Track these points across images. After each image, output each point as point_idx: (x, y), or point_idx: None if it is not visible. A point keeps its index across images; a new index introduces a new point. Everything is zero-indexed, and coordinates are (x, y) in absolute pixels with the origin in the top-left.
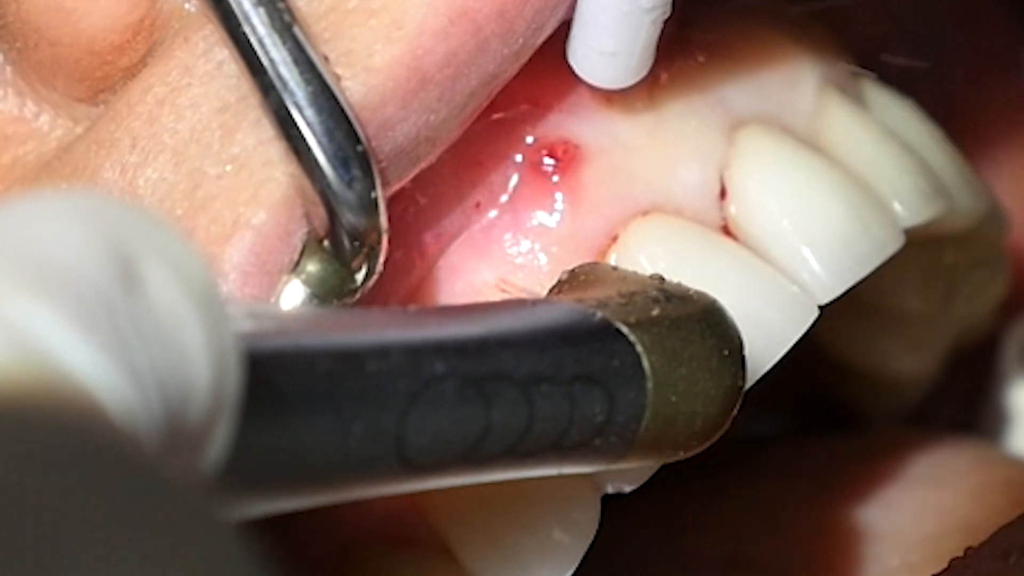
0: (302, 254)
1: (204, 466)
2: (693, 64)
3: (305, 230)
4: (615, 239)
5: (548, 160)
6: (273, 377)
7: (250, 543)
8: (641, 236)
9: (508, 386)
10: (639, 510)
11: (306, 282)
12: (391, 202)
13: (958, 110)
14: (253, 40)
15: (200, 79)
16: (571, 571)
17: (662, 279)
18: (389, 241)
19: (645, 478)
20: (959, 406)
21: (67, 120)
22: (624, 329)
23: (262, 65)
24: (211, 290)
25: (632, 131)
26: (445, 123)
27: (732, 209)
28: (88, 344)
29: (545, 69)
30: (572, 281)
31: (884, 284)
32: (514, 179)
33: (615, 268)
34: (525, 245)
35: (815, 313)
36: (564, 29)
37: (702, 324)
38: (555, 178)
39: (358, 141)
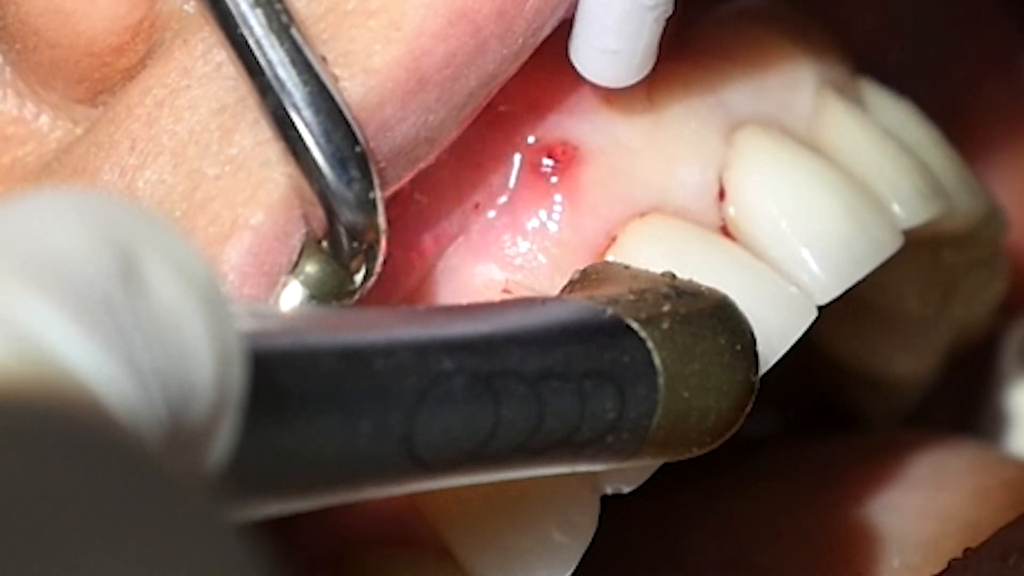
0: (300, 255)
1: (208, 466)
2: (692, 65)
3: (303, 231)
4: (614, 240)
5: (547, 161)
6: (278, 376)
7: (252, 542)
8: (640, 237)
9: (517, 383)
10: (638, 511)
11: (305, 283)
12: (390, 203)
13: (957, 111)
14: (251, 41)
15: (199, 81)
16: (570, 572)
17: (673, 276)
18: (388, 242)
19: (644, 478)
20: (958, 407)
21: (67, 121)
22: (634, 325)
23: (260, 66)
24: (213, 288)
25: (631, 132)
26: (444, 124)
27: (731, 210)
28: (89, 341)
29: (544, 70)
30: (584, 280)
31: (883, 285)
32: (513, 180)
33: (627, 267)
34: (524, 246)
35: (814, 314)
36: (563, 29)
37: (713, 320)
38: (554, 179)
39: (356, 142)
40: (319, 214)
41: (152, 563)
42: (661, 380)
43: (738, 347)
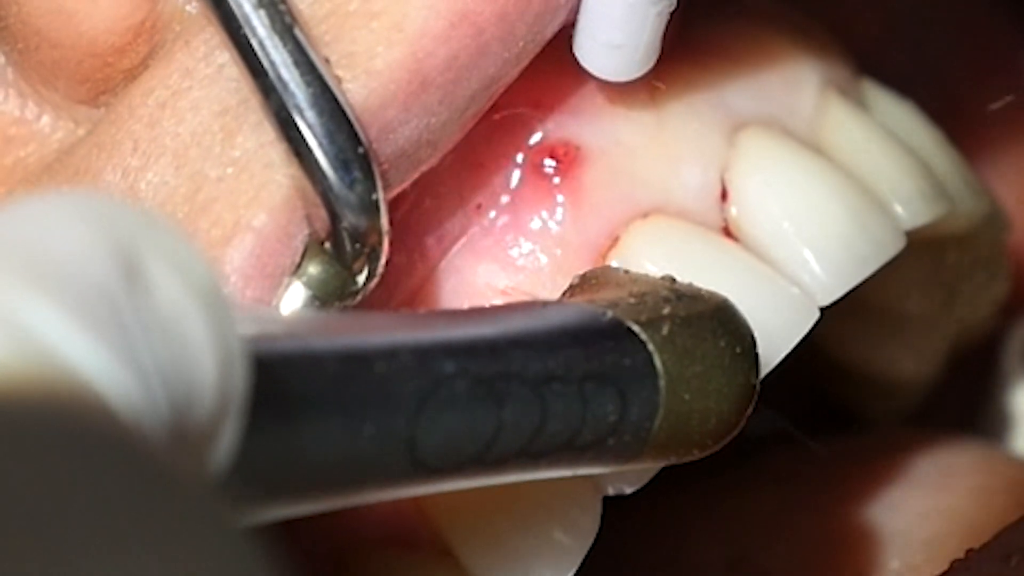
0: (303, 256)
1: (210, 468)
2: (694, 66)
3: (306, 232)
4: (616, 240)
5: (549, 161)
6: (281, 379)
7: (257, 543)
8: (642, 238)
9: (519, 385)
10: (640, 512)
11: (307, 284)
12: (392, 204)
13: (958, 112)
14: (254, 42)
15: (201, 82)
16: (572, 573)
17: (673, 280)
18: (390, 243)
19: (646, 480)
20: (960, 407)
21: (68, 122)
22: (635, 328)
23: (263, 67)
24: (215, 290)
25: (633, 133)
26: (446, 126)
27: (733, 211)
28: (93, 341)
29: (546, 70)
30: (583, 284)
31: (885, 285)
32: (515, 180)
33: (626, 271)
34: (526, 247)
35: (816, 315)
36: (565, 30)
37: (714, 322)
38: (556, 180)
39: (359, 143)
40: (322, 215)
41: (157, 563)
42: (662, 383)
43: (738, 350)
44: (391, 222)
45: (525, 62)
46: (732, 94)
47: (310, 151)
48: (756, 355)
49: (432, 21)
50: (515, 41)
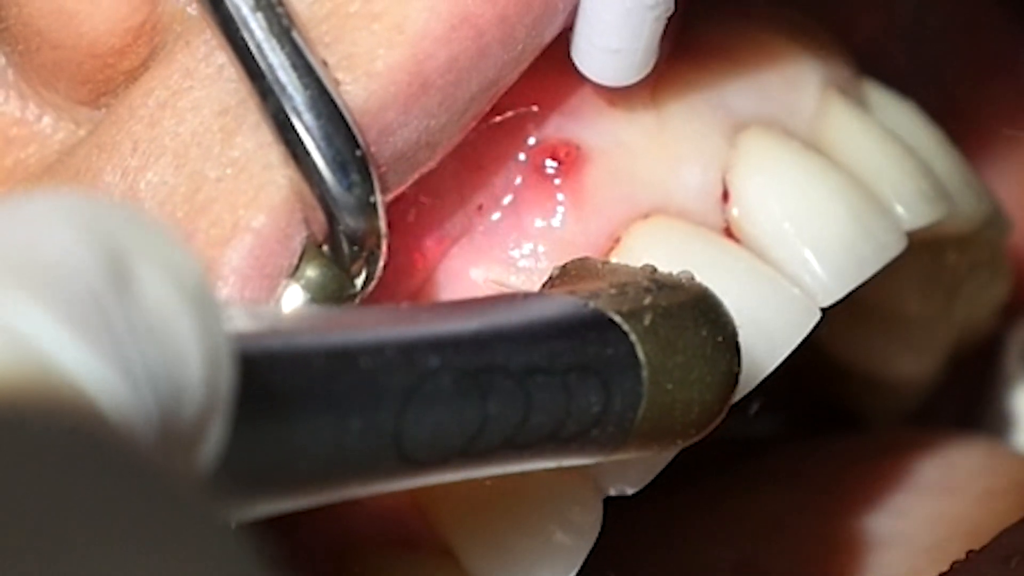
0: (301, 259)
1: (199, 466)
2: (695, 67)
3: (305, 234)
4: (617, 241)
5: (550, 162)
6: (267, 376)
7: (249, 541)
8: (643, 238)
9: (503, 378)
10: (642, 513)
11: (305, 287)
12: (393, 205)
13: (958, 113)
14: (251, 44)
15: (201, 82)
16: (572, 573)
17: (654, 270)
18: (391, 244)
19: (647, 480)
20: (961, 408)
21: (69, 123)
22: (617, 319)
23: (260, 69)
24: (203, 289)
25: (634, 133)
26: (445, 128)
27: (734, 211)
28: (80, 342)
29: (547, 71)
30: (563, 276)
31: (885, 286)
32: (516, 181)
33: (605, 262)
34: (527, 247)
35: (817, 316)
36: (565, 33)
37: (695, 312)
38: (557, 180)
39: (356, 145)
40: (320, 218)
41: (151, 563)
42: (645, 373)
43: (720, 339)
44: (391, 223)
45: (524, 65)
46: (733, 95)
47: (308, 153)
48: (737, 344)
49: (433, 23)
50: (515, 43)
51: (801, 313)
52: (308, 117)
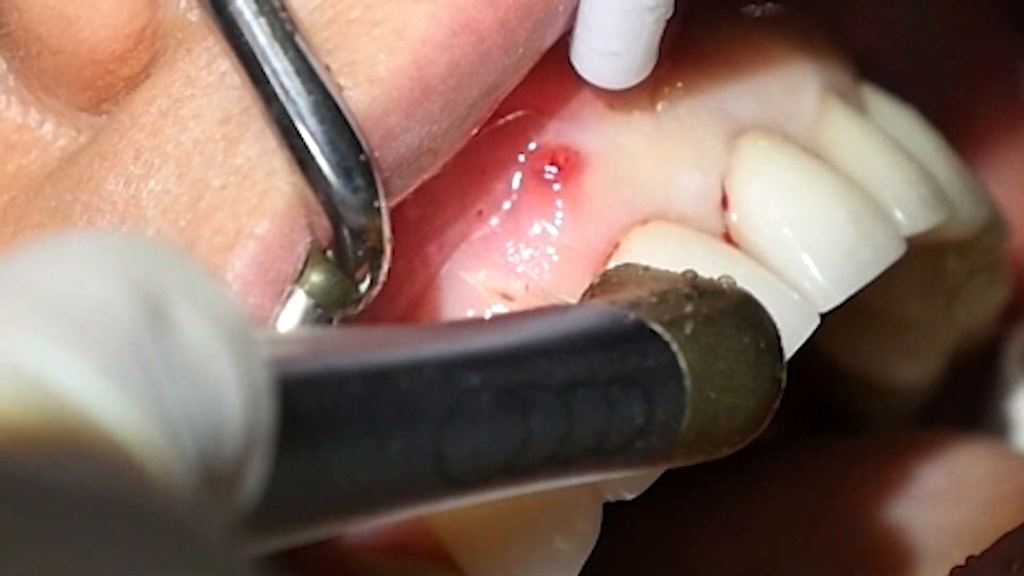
0: (306, 264)
1: (242, 501)
2: (694, 72)
3: (308, 240)
4: (617, 246)
5: (550, 167)
6: (306, 402)
7: None
8: (643, 244)
9: (544, 393)
10: (642, 518)
11: (310, 292)
12: (395, 211)
13: (956, 117)
14: (255, 50)
15: (203, 90)
16: None
17: (695, 275)
18: (392, 250)
19: (646, 485)
20: (960, 412)
21: (70, 129)
22: (658, 328)
23: (264, 75)
24: (240, 324)
25: (633, 138)
26: (448, 133)
27: (733, 216)
28: (115, 391)
29: (547, 77)
30: (604, 284)
31: (885, 291)
32: (515, 187)
33: (647, 268)
34: (527, 253)
35: (816, 321)
36: (564, 37)
37: (736, 318)
38: (556, 186)
39: (361, 151)
40: (324, 223)
41: None
42: (687, 382)
43: (762, 344)
44: (393, 229)
45: (525, 70)
46: (732, 99)
47: (312, 159)
48: (781, 349)
49: (434, 29)
50: (515, 48)
51: (801, 318)
52: (312, 122)
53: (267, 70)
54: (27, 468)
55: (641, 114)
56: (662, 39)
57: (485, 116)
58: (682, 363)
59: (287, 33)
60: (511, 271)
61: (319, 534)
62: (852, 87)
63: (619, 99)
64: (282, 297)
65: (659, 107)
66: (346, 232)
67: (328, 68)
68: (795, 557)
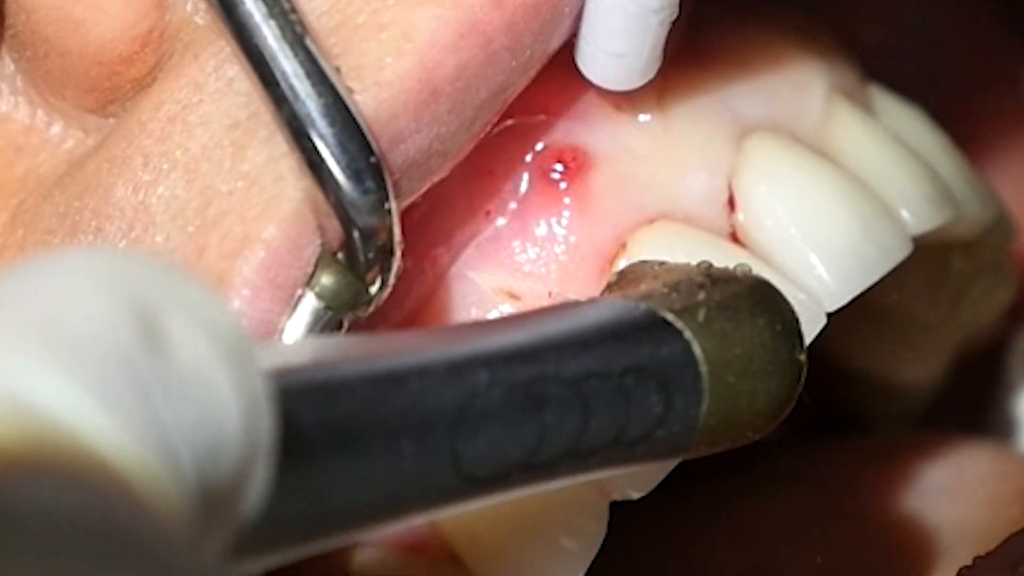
0: (316, 267)
1: (242, 517)
2: (701, 71)
3: (317, 243)
4: (624, 246)
5: (557, 167)
6: (311, 412)
7: None
8: (649, 243)
9: (557, 386)
10: (648, 518)
11: (320, 295)
12: (404, 212)
13: (960, 118)
14: (265, 52)
15: (211, 96)
16: None
17: (710, 265)
18: (402, 252)
19: (653, 484)
20: (965, 412)
21: (78, 131)
22: (670, 317)
23: (274, 77)
24: (237, 337)
25: (640, 139)
26: (456, 135)
27: (740, 216)
28: (106, 412)
29: (554, 77)
30: (620, 281)
31: (891, 290)
32: (523, 186)
33: (661, 263)
34: (533, 252)
35: (823, 320)
36: (571, 39)
37: (750, 302)
38: (563, 185)
39: (371, 152)
40: (335, 225)
41: None
42: (704, 369)
43: (779, 327)
44: (402, 230)
45: (533, 72)
46: (739, 99)
47: (322, 161)
48: (798, 330)
49: (441, 31)
50: (523, 50)
51: (807, 317)
52: (322, 124)
53: (277, 72)
54: (13, 494)
55: (648, 114)
56: (667, 41)
57: (493, 118)
58: (696, 350)
59: (297, 35)
60: (518, 270)
61: (336, 544)
62: (858, 87)
63: (626, 99)
64: (291, 302)
65: (666, 107)
66: (356, 234)
67: (338, 69)
68: (800, 557)
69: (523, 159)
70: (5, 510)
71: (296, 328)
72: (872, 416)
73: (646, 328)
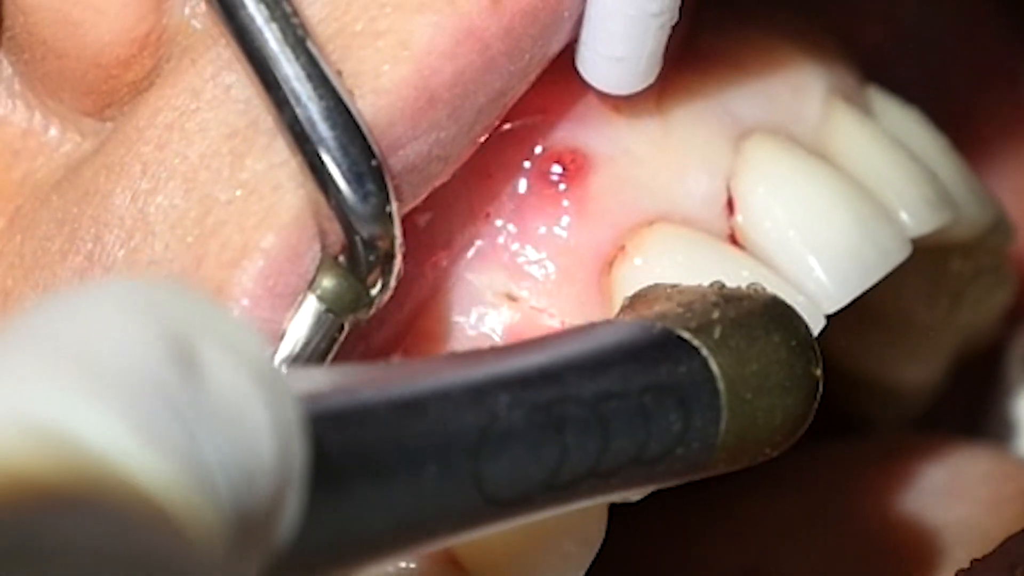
0: (318, 270)
1: (275, 544)
2: (700, 74)
3: (317, 250)
4: (623, 248)
5: (556, 169)
6: (335, 438)
7: None
8: (648, 246)
9: (577, 407)
10: (647, 520)
11: (322, 298)
12: (405, 215)
13: (960, 120)
14: (266, 55)
15: (208, 103)
16: None
17: (723, 285)
18: (403, 254)
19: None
20: (964, 413)
21: (75, 134)
22: (686, 335)
23: (276, 80)
24: (269, 365)
25: (639, 141)
26: (455, 141)
27: (739, 218)
28: (145, 444)
29: (554, 79)
30: (634, 303)
31: (890, 293)
32: (522, 188)
33: (674, 285)
34: (532, 254)
35: (822, 322)
36: (571, 42)
37: (764, 319)
38: (562, 187)
39: (372, 156)
40: (335, 229)
41: None
42: (721, 386)
43: (793, 343)
44: (403, 234)
45: (532, 76)
46: (738, 102)
47: (323, 164)
48: (813, 346)
49: (438, 38)
50: (521, 55)
51: (806, 320)
52: (323, 128)
53: (278, 76)
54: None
55: (647, 116)
56: (667, 45)
57: (493, 122)
58: (713, 367)
59: (298, 39)
60: (517, 272)
61: (362, 569)
62: (857, 89)
63: (625, 102)
64: (290, 310)
65: (665, 110)
66: (358, 238)
67: (340, 72)
68: (799, 559)
69: (522, 161)
70: (45, 542)
71: (297, 330)
72: (871, 418)
73: (663, 347)
